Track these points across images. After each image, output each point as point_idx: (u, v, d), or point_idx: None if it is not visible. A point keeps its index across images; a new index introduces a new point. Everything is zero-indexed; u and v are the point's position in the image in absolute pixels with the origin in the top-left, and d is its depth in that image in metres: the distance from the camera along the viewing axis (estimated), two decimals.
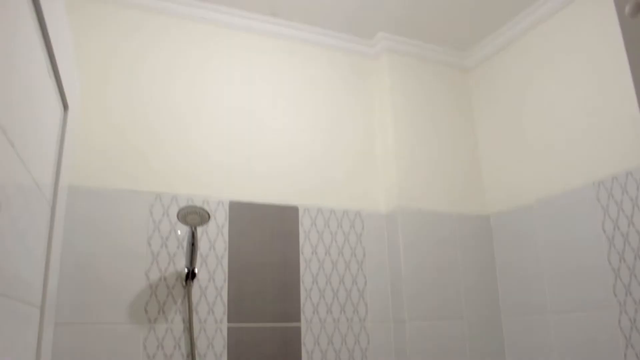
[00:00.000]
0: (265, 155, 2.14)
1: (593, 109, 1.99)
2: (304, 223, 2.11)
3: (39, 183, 1.12)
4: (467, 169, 2.44)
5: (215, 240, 1.96)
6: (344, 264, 2.14)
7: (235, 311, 1.93)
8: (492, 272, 2.32)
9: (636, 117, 1.82)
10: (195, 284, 1.89)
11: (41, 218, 1.19)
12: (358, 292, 2.13)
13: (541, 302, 2.10)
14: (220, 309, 1.91)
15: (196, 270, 1.87)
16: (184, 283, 1.86)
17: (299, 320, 2.02)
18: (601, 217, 1.91)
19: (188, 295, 1.85)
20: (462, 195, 2.37)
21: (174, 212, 1.90)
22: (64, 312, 1.69)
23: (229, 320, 1.91)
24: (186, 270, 1.84)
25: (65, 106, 1.30)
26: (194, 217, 1.73)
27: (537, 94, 2.23)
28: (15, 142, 0.90)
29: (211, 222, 1.96)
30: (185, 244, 1.87)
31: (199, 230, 1.92)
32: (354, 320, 2.10)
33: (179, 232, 1.90)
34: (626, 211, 1.83)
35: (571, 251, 2.00)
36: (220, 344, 1.88)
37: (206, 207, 1.94)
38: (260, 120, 2.18)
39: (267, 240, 2.04)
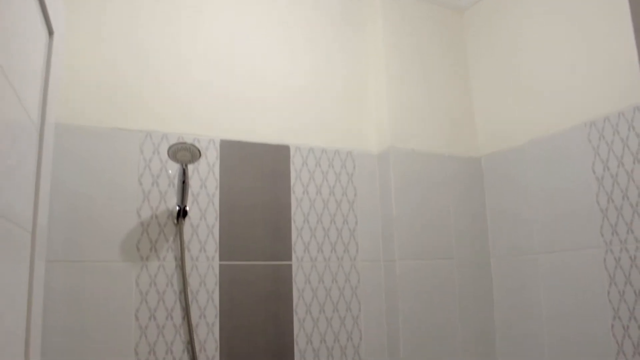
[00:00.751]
0: (256, 94, 2.12)
1: (587, 50, 1.97)
2: (296, 162, 2.11)
3: (30, 115, 1.10)
4: (460, 110, 2.43)
5: (206, 179, 1.96)
6: (335, 204, 2.15)
7: (227, 249, 1.94)
8: (482, 213, 2.34)
9: (630, 58, 1.81)
10: (187, 222, 1.90)
11: (30, 153, 1.18)
12: (349, 232, 2.15)
13: (529, 243, 2.13)
14: (212, 247, 1.92)
15: (188, 208, 1.88)
16: (175, 221, 1.87)
17: (290, 259, 2.04)
18: (591, 158, 1.91)
19: (180, 233, 1.86)
20: (454, 136, 2.37)
21: (164, 150, 1.89)
22: (56, 250, 1.70)
23: (220, 258, 1.93)
24: (177, 208, 1.84)
25: (50, 31, 1.26)
26: (185, 153, 1.72)
27: (531, 35, 2.20)
28: (4, 69, 0.88)
29: (202, 161, 1.95)
30: (176, 182, 1.87)
31: (190, 168, 1.92)
32: (345, 259, 2.12)
33: (169, 171, 1.89)
34: (616, 152, 1.83)
35: (561, 192, 2.02)
36: (212, 281, 1.90)
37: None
38: (252, 60, 2.14)
39: (259, 180, 2.04)
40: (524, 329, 2.13)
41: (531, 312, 2.10)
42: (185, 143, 1.72)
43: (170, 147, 1.74)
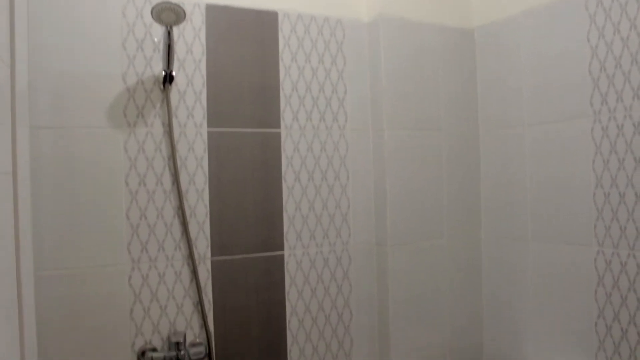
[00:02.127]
0: None
1: None
2: (284, 29, 2.04)
3: None
4: None
5: (192, 45, 1.90)
6: (324, 72, 2.11)
7: (215, 116, 1.93)
8: (473, 86, 2.32)
9: None
10: (174, 88, 1.87)
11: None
12: (338, 101, 2.13)
13: (519, 115, 2.13)
14: (200, 114, 1.91)
15: (174, 74, 1.83)
16: (161, 87, 1.83)
17: (278, 126, 2.04)
18: (587, 26, 1.87)
19: (167, 99, 1.83)
20: (447, 6, 2.29)
21: (148, 14, 1.82)
22: (42, 117, 1.67)
23: (209, 125, 1.92)
24: (164, 74, 1.80)
25: None
26: (169, 14, 1.65)
27: None
28: None
29: (187, 26, 1.89)
30: (161, 47, 1.81)
31: (175, 33, 1.86)
32: (334, 128, 2.12)
33: (155, 39, 1.83)
34: (613, 18, 1.79)
35: (553, 63, 1.99)
36: (201, 148, 1.90)
37: None
38: None
39: (246, 45, 1.99)
40: (509, 199, 2.18)
41: (517, 182, 2.14)
42: (169, 2, 1.64)
43: (153, 8, 1.66)
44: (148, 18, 1.82)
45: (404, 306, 2.14)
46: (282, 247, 2.02)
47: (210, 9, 1.93)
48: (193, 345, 1.86)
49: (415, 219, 2.17)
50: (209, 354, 1.89)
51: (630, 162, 1.74)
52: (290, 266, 2.04)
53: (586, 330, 1.89)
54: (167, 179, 1.85)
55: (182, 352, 1.78)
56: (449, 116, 2.25)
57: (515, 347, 2.18)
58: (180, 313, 1.86)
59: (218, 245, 1.92)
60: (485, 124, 2.29)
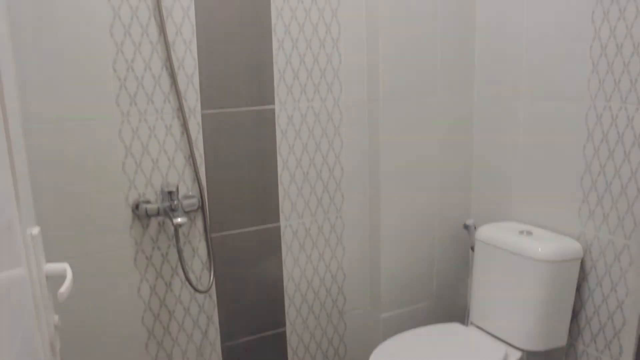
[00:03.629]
0: None
1: None
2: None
3: None
4: None
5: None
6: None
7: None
8: None
9: None
10: None
11: None
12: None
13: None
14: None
15: None
16: None
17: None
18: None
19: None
20: None
21: None
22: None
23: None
24: None
25: None
26: None
27: None
28: None
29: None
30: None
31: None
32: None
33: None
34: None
35: None
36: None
37: None
38: None
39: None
40: (503, 55, 2.14)
41: (512, 37, 2.09)
42: None
43: None
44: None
45: (394, 162, 2.17)
46: (272, 102, 2.00)
47: None
48: (186, 197, 1.89)
49: (408, 76, 2.14)
50: (202, 207, 1.93)
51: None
52: (281, 120, 2.03)
53: (572, 185, 1.93)
54: (154, 30, 1.78)
55: (175, 202, 1.81)
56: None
57: (502, 203, 2.23)
58: (172, 167, 1.88)
59: (208, 99, 1.90)
60: None
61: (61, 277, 0.94)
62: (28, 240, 0.87)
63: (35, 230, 0.91)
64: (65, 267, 0.95)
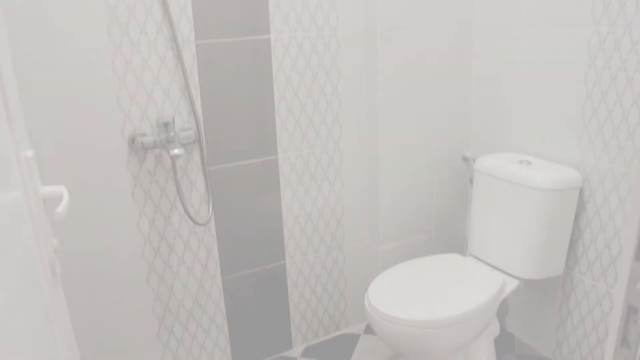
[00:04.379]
0: None
1: None
2: None
3: None
4: None
5: None
6: None
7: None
8: None
9: None
10: None
11: None
12: None
13: None
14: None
15: None
16: None
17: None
18: None
19: None
20: None
21: None
22: None
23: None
24: None
25: None
26: None
27: None
28: None
29: None
30: None
31: None
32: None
33: None
34: None
35: None
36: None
37: None
38: None
39: None
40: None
41: None
42: None
43: None
44: None
45: (393, 93, 2.14)
46: (268, 31, 1.95)
47: None
48: (182, 130, 1.87)
49: (407, 4, 2.08)
50: (199, 139, 1.91)
51: None
52: (277, 51, 1.98)
53: (572, 114, 1.91)
54: None
55: (172, 134, 1.79)
56: None
57: (501, 134, 2.21)
58: (167, 99, 1.84)
59: (202, 28, 1.84)
60: None
61: (58, 201, 0.93)
62: (23, 162, 0.85)
63: (30, 152, 0.89)
64: (61, 189, 0.94)
